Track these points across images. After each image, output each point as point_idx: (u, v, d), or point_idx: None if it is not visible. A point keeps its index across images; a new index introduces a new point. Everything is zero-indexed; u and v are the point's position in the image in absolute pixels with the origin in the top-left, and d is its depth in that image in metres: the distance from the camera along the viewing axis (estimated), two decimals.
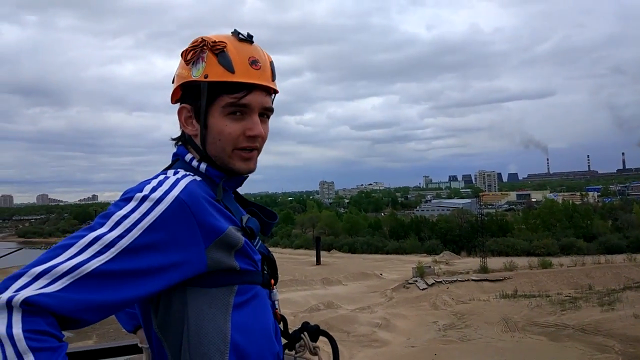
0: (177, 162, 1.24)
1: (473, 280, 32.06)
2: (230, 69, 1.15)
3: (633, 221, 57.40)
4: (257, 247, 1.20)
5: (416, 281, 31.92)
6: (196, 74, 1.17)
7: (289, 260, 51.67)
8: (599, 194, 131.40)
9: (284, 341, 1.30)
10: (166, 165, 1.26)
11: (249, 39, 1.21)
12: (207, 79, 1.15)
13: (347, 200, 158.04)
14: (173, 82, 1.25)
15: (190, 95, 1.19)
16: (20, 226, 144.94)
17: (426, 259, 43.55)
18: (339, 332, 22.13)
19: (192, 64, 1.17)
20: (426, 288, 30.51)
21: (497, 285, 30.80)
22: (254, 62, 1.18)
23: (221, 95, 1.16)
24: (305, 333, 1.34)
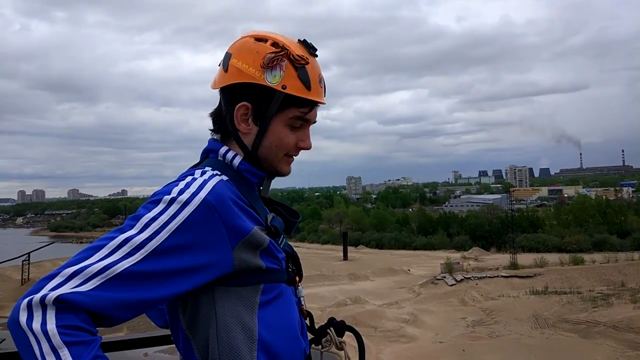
0: (207, 159, 1.25)
1: (502, 276, 31.86)
2: (307, 86, 1.19)
3: None
4: (281, 246, 1.22)
5: (444, 277, 31.88)
6: (272, 80, 1.16)
7: (316, 256, 52.03)
8: (634, 189, 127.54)
9: (310, 337, 1.32)
10: (195, 162, 1.28)
11: (315, 52, 1.24)
12: (285, 90, 1.17)
13: (374, 196, 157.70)
14: (226, 70, 1.22)
15: (254, 96, 1.19)
16: (52, 220, 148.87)
17: (455, 255, 43.35)
18: (367, 328, 22.31)
19: (268, 69, 1.16)
20: (455, 284, 30.43)
21: (527, 281, 30.55)
22: (321, 80, 1.23)
23: (290, 107, 1.19)
24: (332, 328, 1.34)
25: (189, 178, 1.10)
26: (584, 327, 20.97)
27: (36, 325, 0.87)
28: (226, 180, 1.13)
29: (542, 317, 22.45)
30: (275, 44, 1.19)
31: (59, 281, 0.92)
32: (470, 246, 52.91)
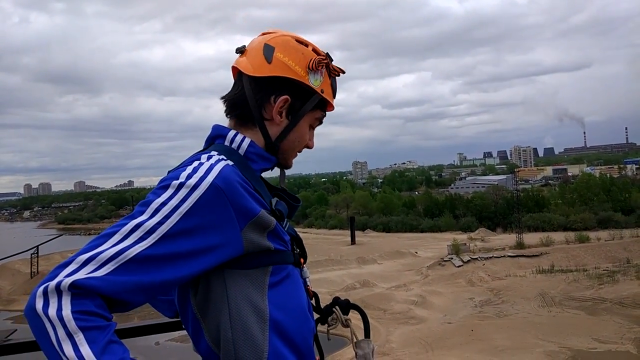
0: (213, 145, 1.27)
1: (509, 256, 32.02)
2: (334, 93, 1.34)
3: None
4: (285, 229, 1.25)
5: (452, 258, 32.06)
6: (315, 83, 1.27)
7: (324, 241, 52.32)
8: (638, 166, 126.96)
9: (316, 316, 1.35)
10: (200, 149, 1.30)
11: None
12: (322, 94, 1.28)
13: (380, 180, 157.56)
14: (269, 62, 1.26)
15: (295, 92, 1.26)
16: (60, 213, 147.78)
17: (461, 237, 43.49)
18: (376, 310, 22.66)
19: (312, 71, 1.26)
20: (462, 265, 30.64)
21: (533, 260, 30.71)
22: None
23: (318, 109, 1.31)
24: (337, 307, 1.38)
25: (195, 163, 1.12)
26: (590, 304, 21.20)
27: (52, 311, 0.89)
28: (232, 164, 1.15)
29: (548, 295, 22.69)
30: (315, 50, 1.29)
31: (74, 268, 0.94)
32: (477, 227, 53.01)
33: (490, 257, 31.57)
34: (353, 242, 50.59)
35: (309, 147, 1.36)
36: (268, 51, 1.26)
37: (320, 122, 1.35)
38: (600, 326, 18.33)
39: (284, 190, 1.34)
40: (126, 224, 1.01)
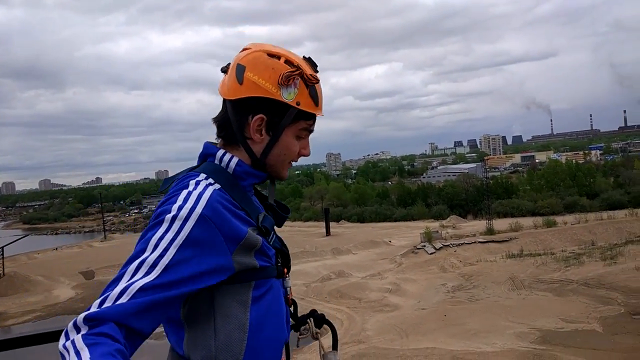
0: (204, 163, 1.32)
1: (480, 242, 32.67)
2: (316, 102, 1.33)
3: (634, 177, 57.87)
4: (271, 243, 1.30)
5: (424, 246, 32.52)
6: (287, 97, 1.27)
7: (299, 233, 52.47)
8: (602, 152, 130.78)
9: (292, 322, 1.43)
10: (180, 169, 1.37)
11: (317, 69, 1.37)
12: (299, 107, 1.29)
13: (354, 171, 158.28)
14: (241, 83, 1.28)
15: (269, 110, 1.28)
16: (25, 213, 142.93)
17: (434, 224, 44.14)
18: (351, 299, 22.95)
19: (284, 86, 1.27)
20: (434, 252, 31.13)
21: (503, 245, 31.42)
22: (322, 97, 1.37)
23: (300, 120, 1.32)
24: (311, 319, 1.46)
25: (185, 192, 1.18)
26: (557, 285, 21.85)
27: (67, 342, 0.96)
28: (219, 188, 1.22)
29: (518, 279, 23.28)
30: (288, 61, 1.29)
31: (89, 309, 1.02)
32: (448, 215, 53.92)
33: (462, 244, 32.19)
34: (328, 233, 50.90)
35: (304, 155, 1.39)
36: (239, 72, 1.29)
37: (310, 131, 1.38)
38: (568, 307, 18.90)
39: (275, 200, 1.42)
40: (131, 264, 1.09)
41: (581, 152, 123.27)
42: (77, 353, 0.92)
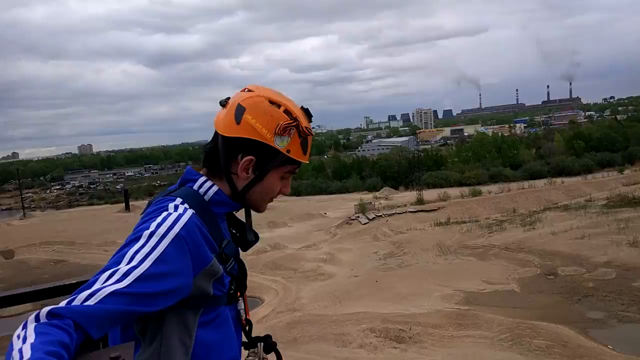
0: (182, 188, 1.38)
1: (410, 212, 33.59)
2: (305, 152, 1.43)
3: (554, 149, 61.79)
4: (229, 269, 1.35)
5: (358, 217, 33.15)
6: (280, 144, 1.35)
7: None
8: (526, 125, 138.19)
9: (245, 340, 1.49)
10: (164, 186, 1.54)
11: (311, 119, 1.47)
12: (289, 154, 1.38)
13: None
14: (238, 123, 1.34)
15: (260, 153, 1.36)
16: None
17: (367, 196, 44.93)
18: (287, 270, 23.16)
19: (278, 135, 1.35)
20: (367, 222, 31.82)
21: (432, 214, 32.50)
22: (311, 146, 1.47)
23: (287, 164, 1.42)
24: (261, 344, 1.50)
25: (164, 213, 1.24)
26: (481, 250, 22.95)
27: (21, 330, 0.97)
28: (193, 213, 1.27)
29: (445, 245, 24.28)
30: (287, 111, 1.37)
31: (55, 306, 1.03)
32: (381, 186, 55.14)
33: (393, 214, 33.08)
34: None
35: (284, 194, 1.51)
36: (239, 112, 1.35)
37: (294, 173, 1.49)
38: (489, 270, 19.87)
39: (244, 224, 1.50)
40: (104, 272, 1.12)
41: (507, 126, 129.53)
42: (24, 339, 0.94)
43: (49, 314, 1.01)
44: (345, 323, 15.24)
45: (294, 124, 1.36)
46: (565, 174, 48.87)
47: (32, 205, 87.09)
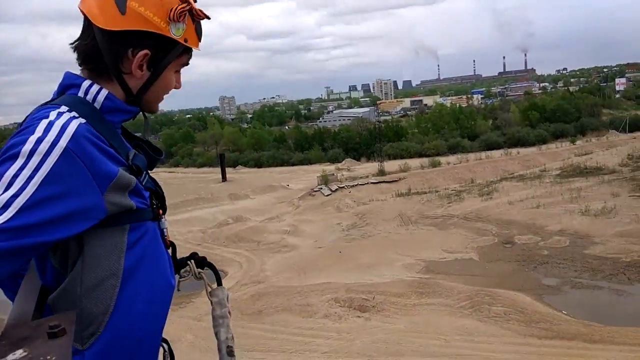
0: (64, 96, 1.17)
1: (372, 183, 33.94)
2: (200, 38, 1.26)
3: (510, 120, 63.37)
4: (144, 183, 1.21)
5: (321, 188, 33.30)
6: (177, 33, 1.19)
7: (193, 180, 51.19)
8: (483, 96, 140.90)
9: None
10: (46, 98, 1.20)
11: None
12: (186, 44, 1.22)
13: (249, 115, 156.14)
14: (123, 13, 1.14)
15: (156, 45, 1.19)
16: None
17: (330, 167, 45.14)
18: (250, 243, 23.13)
19: (173, 22, 1.17)
20: (330, 194, 32.00)
21: (393, 185, 32.93)
22: None
23: (182, 55, 1.26)
24: (192, 261, 1.42)
25: (44, 122, 1.03)
26: (440, 220, 23.55)
27: None
28: (84, 122, 1.08)
29: (406, 215, 24.74)
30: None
31: None
32: (343, 158, 55.48)
33: (356, 185, 33.35)
34: (224, 179, 50.20)
35: (177, 88, 1.32)
36: None
37: (187, 64, 1.31)
38: (449, 239, 20.43)
39: (144, 141, 1.31)
40: None
41: (464, 97, 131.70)
42: None
43: None
44: (309, 294, 15.41)
45: (188, 7, 1.19)
46: (520, 145, 50.36)
47: None
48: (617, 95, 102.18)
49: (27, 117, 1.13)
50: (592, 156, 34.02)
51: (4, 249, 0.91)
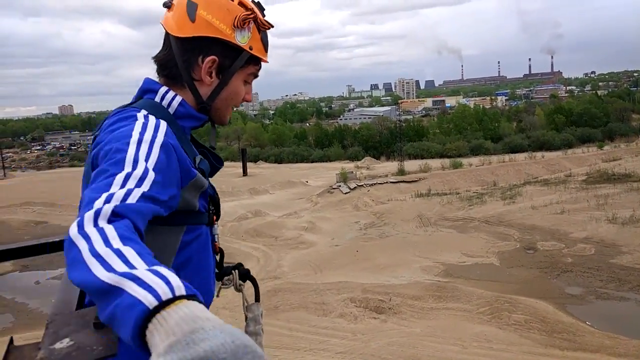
0: (141, 100, 1.25)
1: (391, 182, 33.68)
2: (266, 48, 1.32)
3: (535, 122, 62.25)
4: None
5: (339, 186, 33.16)
6: (242, 40, 1.25)
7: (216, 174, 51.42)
8: (507, 98, 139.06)
9: (216, 271, 1.42)
10: (125, 101, 1.27)
11: (264, 13, 1.36)
12: (252, 51, 1.27)
13: (272, 112, 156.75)
14: (193, 20, 1.22)
15: (222, 52, 1.25)
16: None
17: (349, 165, 45.03)
18: (268, 238, 23.08)
19: (238, 29, 1.24)
20: (349, 192, 31.85)
21: (412, 185, 32.65)
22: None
23: (249, 64, 1.30)
24: (236, 271, 1.45)
25: (139, 122, 1.08)
26: (461, 223, 23.20)
27: (86, 228, 0.79)
28: (167, 124, 1.14)
29: (425, 216, 24.43)
30: (242, 4, 1.25)
31: (109, 204, 0.85)
32: (363, 156, 55.26)
33: (375, 184, 33.12)
34: (245, 173, 50.38)
35: (247, 100, 1.38)
36: (191, 8, 1.22)
37: (256, 76, 1.36)
38: (469, 242, 20.12)
39: (207, 149, 1.38)
40: (116, 174, 0.93)
41: (488, 98, 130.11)
42: (107, 242, 0.76)
43: (113, 214, 0.83)
44: (325, 292, 15.25)
45: (252, 15, 1.26)
46: (545, 149, 49.48)
47: (13, 165, 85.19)
48: None
49: (105, 119, 1.19)
50: (621, 162, 33.18)
51: (152, 212, 0.93)
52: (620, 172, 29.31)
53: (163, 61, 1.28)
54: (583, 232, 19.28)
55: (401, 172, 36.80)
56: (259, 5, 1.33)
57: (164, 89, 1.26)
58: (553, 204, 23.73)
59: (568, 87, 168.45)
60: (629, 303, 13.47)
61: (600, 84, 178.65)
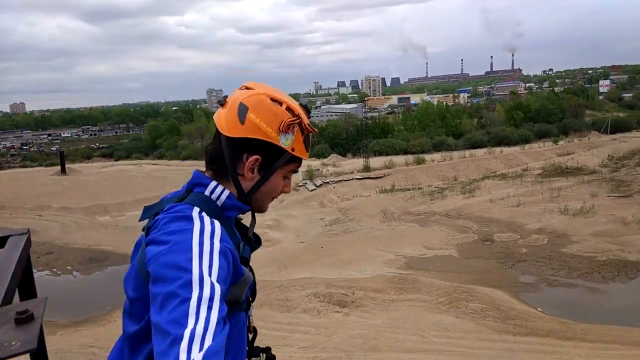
0: (191, 194, 1.34)
1: (357, 179, 34.03)
2: (307, 149, 1.41)
3: (495, 119, 63.87)
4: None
5: (306, 183, 33.27)
6: (285, 143, 1.33)
7: (177, 173, 50.59)
8: (469, 95, 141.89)
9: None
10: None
11: (310, 115, 1.44)
12: (293, 153, 1.36)
13: None
14: (242, 122, 1.30)
15: (265, 152, 1.33)
16: None
17: (315, 163, 45.13)
18: None
19: (283, 132, 1.32)
20: (315, 189, 32.01)
21: (377, 182, 33.05)
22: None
23: (290, 163, 1.39)
24: (264, 354, 1.49)
25: (197, 225, 1.17)
26: (423, 217, 23.68)
27: None
28: (219, 224, 1.22)
29: (388, 211, 24.86)
30: (289, 109, 1.34)
31: (186, 353, 0.94)
32: (329, 153, 55.39)
33: (340, 181, 33.41)
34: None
35: (285, 192, 1.45)
36: (242, 111, 1.32)
37: (295, 172, 1.45)
38: (430, 235, 20.59)
39: (247, 229, 1.45)
40: (188, 299, 1.01)
41: (451, 95, 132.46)
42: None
43: None
44: (290, 288, 15.42)
45: (297, 121, 1.35)
46: (504, 144, 50.75)
47: None
48: (601, 97, 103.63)
49: (158, 212, 1.29)
50: (574, 156, 34.48)
51: (225, 332, 1.02)
52: (572, 165, 30.53)
53: (212, 155, 1.38)
54: (537, 223, 20.07)
55: (366, 168, 37.14)
56: (305, 108, 1.42)
57: (213, 183, 1.34)
58: (510, 197, 24.54)
59: (527, 84, 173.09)
60: (577, 289, 14.18)
61: (557, 81, 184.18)
